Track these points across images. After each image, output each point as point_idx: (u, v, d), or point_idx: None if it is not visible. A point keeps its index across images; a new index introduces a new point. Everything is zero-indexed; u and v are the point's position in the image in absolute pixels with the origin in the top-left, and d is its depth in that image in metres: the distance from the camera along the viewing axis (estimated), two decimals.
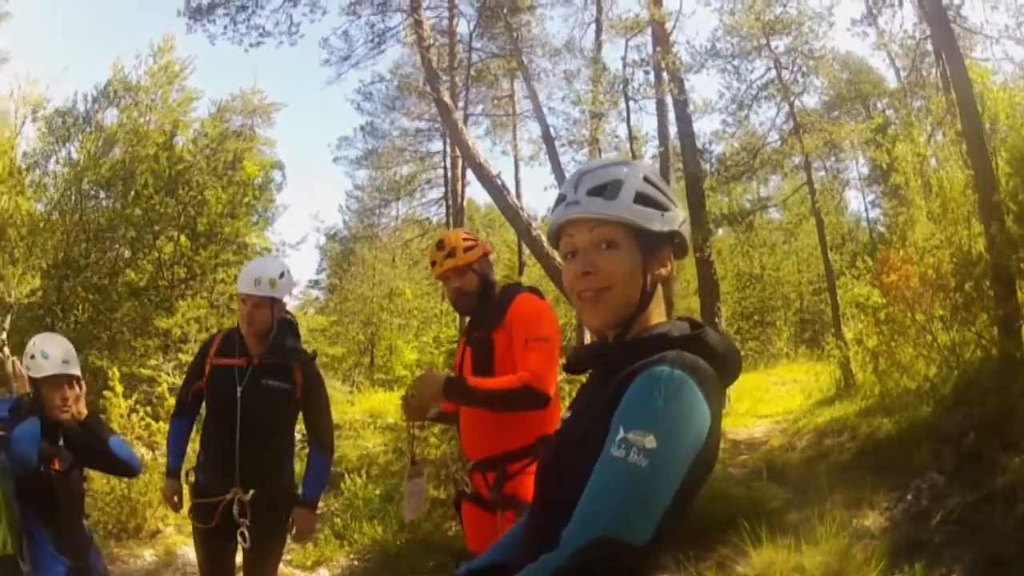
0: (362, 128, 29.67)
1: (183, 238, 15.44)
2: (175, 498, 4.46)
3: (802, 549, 5.69)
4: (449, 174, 26.94)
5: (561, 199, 1.70)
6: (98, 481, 9.35)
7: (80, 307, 13.32)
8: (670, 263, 1.71)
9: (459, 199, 24.72)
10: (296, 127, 73.60)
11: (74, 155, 15.27)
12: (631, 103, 17.49)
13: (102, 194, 15.52)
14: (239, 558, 4.40)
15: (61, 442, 3.75)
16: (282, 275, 4.26)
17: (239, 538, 4.13)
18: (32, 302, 13.19)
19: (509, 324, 3.58)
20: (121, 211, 15.08)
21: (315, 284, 34.64)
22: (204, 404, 4.48)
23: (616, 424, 1.45)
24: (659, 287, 1.70)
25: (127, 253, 15.28)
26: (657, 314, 1.70)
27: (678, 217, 1.69)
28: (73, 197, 14.65)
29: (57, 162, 15.46)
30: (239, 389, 4.18)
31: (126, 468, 4.12)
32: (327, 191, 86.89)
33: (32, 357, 3.74)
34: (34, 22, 68.16)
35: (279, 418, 4.33)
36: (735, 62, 18.02)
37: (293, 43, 16.39)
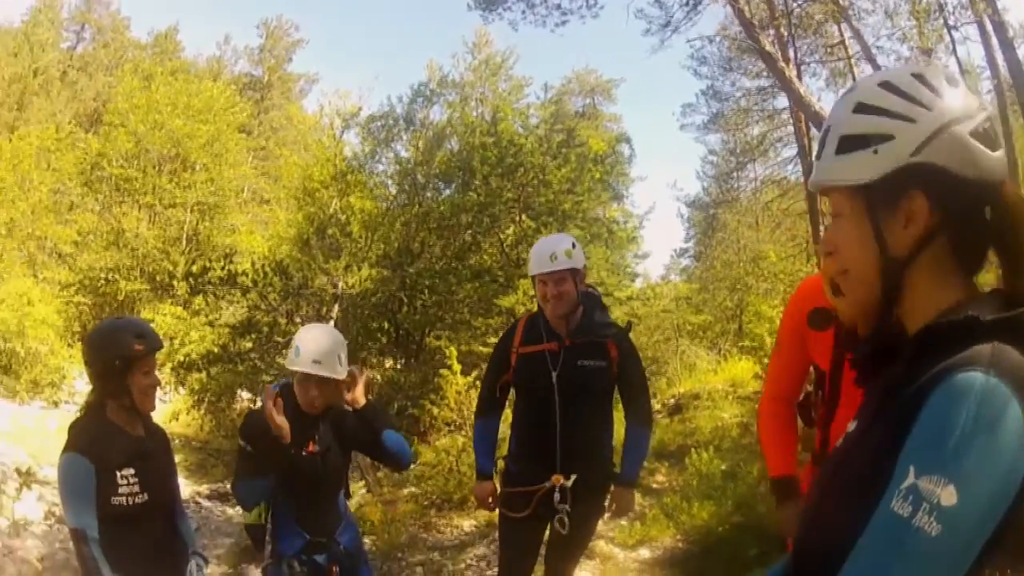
0: (703, 92, 29.08)
1: (525, 218, 15.62)
2: (489, 499, 4.33)
3: None
4: (796, 129, 25.47)
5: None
6: (427, 454, 9.62)
7: (425, 292, 13.74)
8: (924, 209, 1.22)
9: (809, 154, 23.14)
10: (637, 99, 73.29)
11: (403, 153, 16.07)
12: (954, 32, 15.42)
13: (441, 185, 16.14)
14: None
15: (321, 426, 3.76)
16: (573, 245, 4.02)
17: (557, 524, 3.97)
18: (370, 290, 13.94)
19: None
20: (461, 199, 15.48)
21: (683, 252, 34.72)
22: (514, 395, 4.34)
23: (906, 459, 1.09)
24: (926, 249, 1.24)
25: (468, 238, 15.64)
26: (936, 288, 1.24)
27: (915, 134, 1.20)
28: (408, 191, 15.36)
29: (382, 162, 16.41)
30: (554, 374, 3.98)
31: (396, 461, 3.93)
32: (682, 159, 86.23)
33: (294, 347, 3.70)
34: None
35: (597, 398, 4.10)
36: None
37: (595, 16, 15.94)
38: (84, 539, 2.93)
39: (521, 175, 15.68)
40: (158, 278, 23.34)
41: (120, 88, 38.50)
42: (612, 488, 4.15)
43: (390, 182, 16.58)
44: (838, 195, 1.30)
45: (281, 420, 3.39)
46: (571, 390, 3.96)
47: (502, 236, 15.42)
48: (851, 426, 1.36)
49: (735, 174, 31.91)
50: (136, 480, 3.11)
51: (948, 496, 1.03)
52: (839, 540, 1.15)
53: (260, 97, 53.74)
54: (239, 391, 16.30)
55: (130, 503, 3.07)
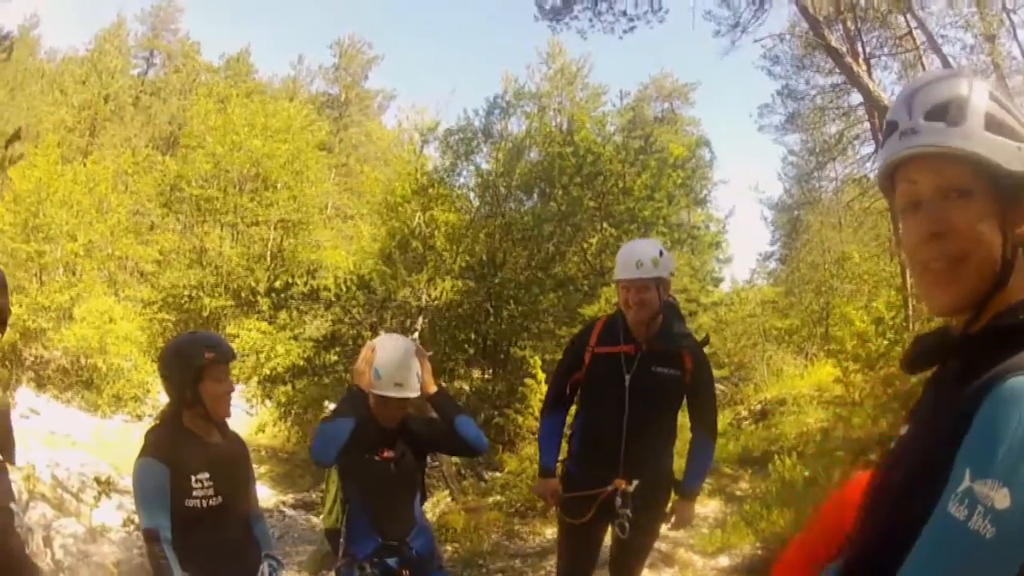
0: (779, 92, 28.50)
1: (607, 226, 15.54)
2: (549, 496, 4.27)
3: None
4: (872, 125, 25.00)
5: (891, 128, 1.30)
6: (511, 463, 9.58)
7: (510, 302, 13.74)
8: None
9: None
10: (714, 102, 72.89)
11: (484, 165, 16.12)
12: (1013, 16, 15.10)
13: (522, 196, 16.15)
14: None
15: (396, 432, 3.81)
16: (661, 253, 3.96)
17: (617, 529, 3.93)
18: (455, 302, 14.11)
19: None
20: (542, 209, 15.46)
21: (768, 256, 34.40)
22: (580, 395, 4.23)
23: (962, 463, 1.09)
24: (1020, 251, 1.25)
25: (551, 248, 15.60)
26: (1019, 288, 1.25)
27: None
28: (490, 203, 15.40)
29: (463, 174, 16.50)
30: (627, 378, 3.93)
31: (470, 448, 3.90)
32: (763, 161, 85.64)
33: (375, 369, 3.73)
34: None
35: (666, 406, 4.04)
36: None
37: (661, 20, 15.75)
38: (156, 539, 3.01)
39: (601, 183, 15.60)
40: (243, 294, 23.78)
41: (195, 111, 39.34)
42: (674, 499, 4.12)
43: (472, 194, 16.73)
44: (961, 171, 1.23)
45: (364, 367, 3.61)
46: (642, 395, 3.92)
47: (585, 245, 15.36)
48: (904, 429, 1.37)
49: (815, 174, 31.30)
50: (211, 484, 3.18)
51: (1002, 499, 1.04)
52: (895, 542, 1.17)
53: (338, 115, 54.53)
54: (325, 403, 16.49)
55: (204, 505, 3.15)
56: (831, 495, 2.68)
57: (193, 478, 3.14)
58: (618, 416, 3.91)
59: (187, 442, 3.24)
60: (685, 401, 4.10)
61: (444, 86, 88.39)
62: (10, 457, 2.49)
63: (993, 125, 1.22)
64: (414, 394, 3.69)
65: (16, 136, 14.67)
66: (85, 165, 34.55)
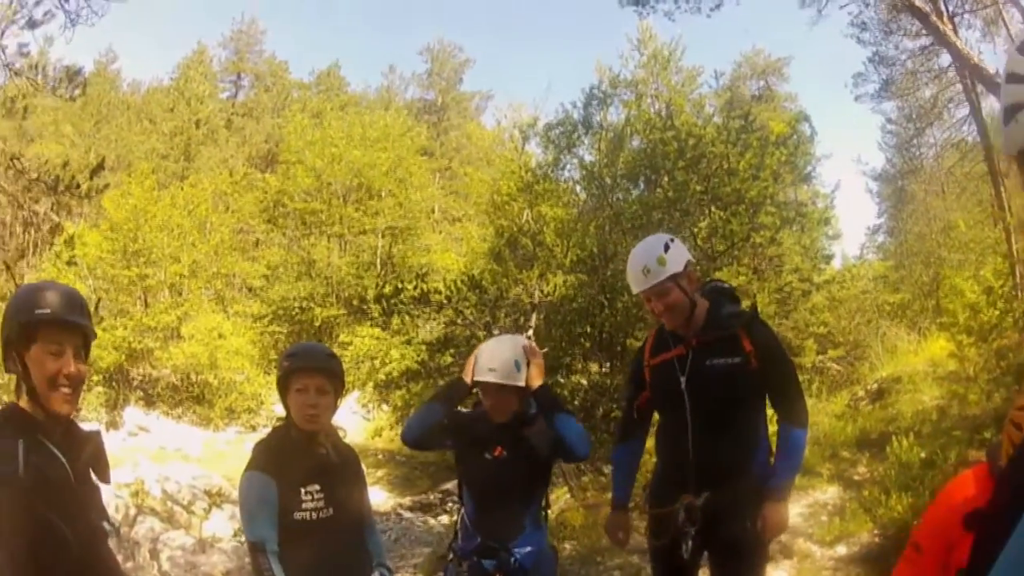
0: (870, 60, 27.82)
1: (715, 209, 15.28)
2: (619, 534, 4.04)
3: None
4: (964, 86, 24.21)
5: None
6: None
7: (624, 293, 13.64)
8: None
9: (978, 111, 21.92)
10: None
11: (587, 157, 16.06)
12: None
13: (628, 185, 16.06)
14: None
15: (510, 434, 3.83)
16: (667, 247, 3.63)
17: (683, 549, 3.60)
18: (568, 296, 14.24)
19: None
20: (649, 197, 15.38)
21: (876, 229, 33.73)
22: (657, 413, 3.99)
23: None
24: None
25: None
26: None
27: None
28: (596, 194, 15.36)
29: (567, 168, 16.51)
30: (682, 379, 3.65)
31: (568, 449, 3.80)
32: (862, 131, 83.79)
33: (474, 357, 3.86)
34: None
35: (735, 401, 3.64)
36: None
37: None
38: (262, 551, 3.01)
39: (705, 166, 15.41)
40: (354, 303, 24.28)
41: (290, 127, 40.24)
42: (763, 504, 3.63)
43: (578, 187, 16.74)
44: None
45: (470, 361, 3.78)
46: (702, 395, 3.63)
47: (695, 230, 15.17)
48: None
49: (914, 141, 30.62)
50: (321, 495, 3.19)
51: None
52: None
53: (437, 120, 55.46)
54: None
55: (313, 517, 3.15)
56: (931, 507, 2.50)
57: (303, 490, 3.16)
58: (681, 423, 3.66)
59: (295, 454, 3.25)
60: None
61: (538, 82, 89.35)
62: (104, 477, 2.50)
63: None
64: (508, 381, 3.68)
65: (100, 166, 15.02)
66: (183, 189, 35.73)
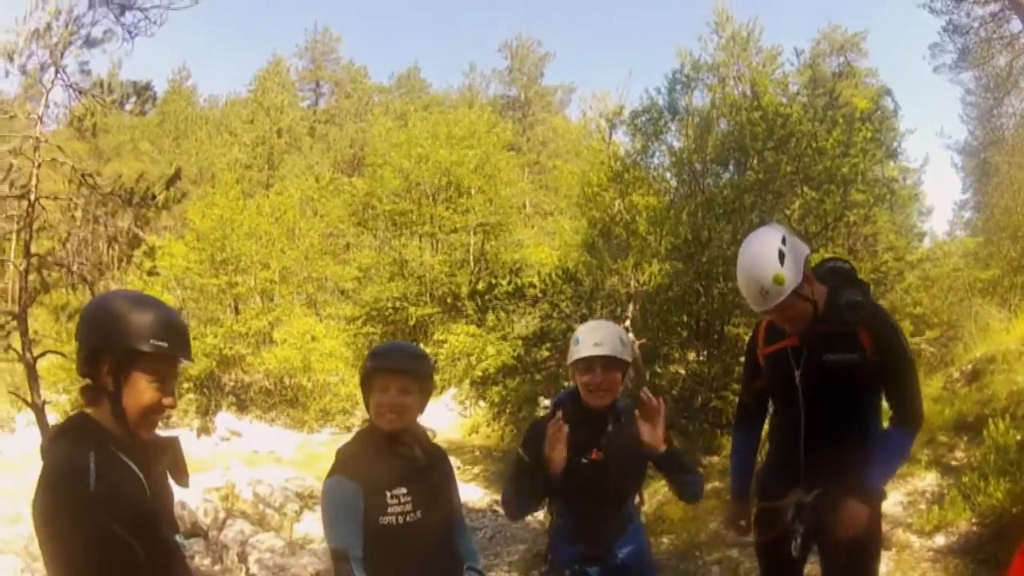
0: (944, 29, 27.12)
1: (807, 189, 15.11)
2: (741, 523, 3.92)
3: None
4: None
5: None
6: (729, 447, 9.38)
7: (720, 280, 13.63)
8: None
9: None
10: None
11: (675, 143, 16.03)
12: None
13: (718, 169, 16.00)
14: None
15: (608, 430, 3.58)
16: (781, 257, 3.29)
17: (791, 547, 3.46)
18: (664, 285, 14.19)
19: None
20: (741, 180, 15.36)
21: (963, 205, 32.90)
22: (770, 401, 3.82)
23: None
24: None
25: (755, 219, 15.34)
26: None
27: None
28: (687, 180, 15.32)
29: (655, 155, 16.46)
30: (797, 373, 3.47)
31: (686, 496, 3.75)
32: (944, 104, 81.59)
33: (573, 341, 3.62)
34: None
35: (851, 399, 3.45)
36: None
37: None
38: (345, 558, 2.93)
39: (794, 145, 15.17)
40: (448, 300, 24.41)
41: (374, 131, 40.88)
42: (846, 499, 3.39)
43: (668, 174, 16.69)
44: None
45: (558, 453, 3.38)
46: (817, 391, 3.45)
47: (788, 212, 15.02)
48: None
49: (994, 111, 29.84)
50: (408, 499, 3.07)
51: None
52: None
53: (522, 115, 55.86)
54: (539, 399, 16.60)
55: (400, 522, 3.04)
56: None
57: (388, 494, 3.04)
58: (794, 418, 3.51)
59: (381, 457, 3.11)
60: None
61: (617, 71, 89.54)
62: (183, 482, 2.46)
63: None
64: (616, 354, 3.47)
65: (176, 176, 15.23)
66: (268, 197, 36.48)
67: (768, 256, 3.27)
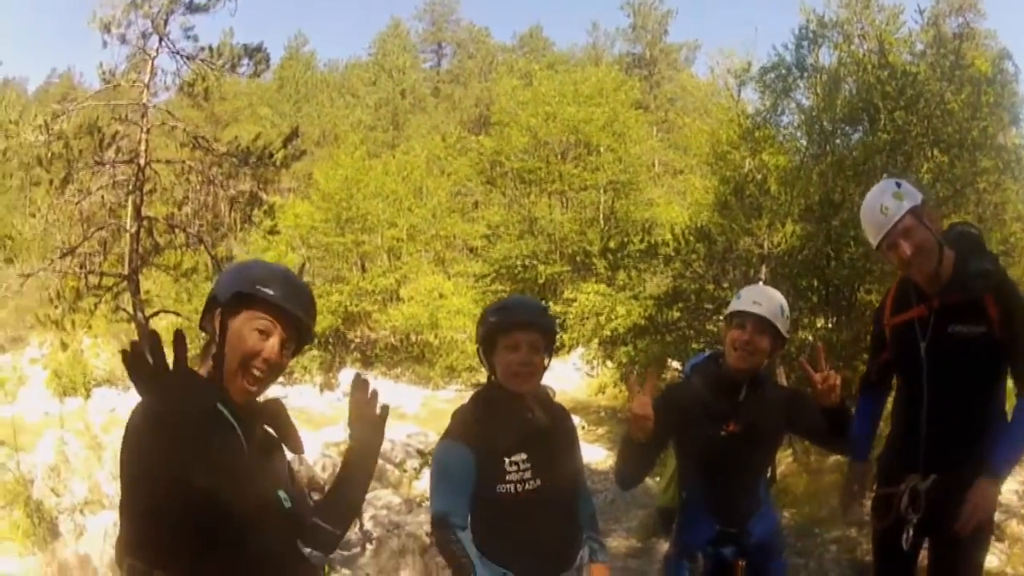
0: None
1: (936, 152, 14.67)
2: (855, 486, 3.70)
3: None
4: None
5: None
6: None
7: (851, 243, 13.40)
8: None
9: None
10: None
11: (804, 102, 15.93)
12: None
13: (848, 129, 15.85)
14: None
15: (747, 401, 3.42)
16: (899, 185, 3.23)
17: (904, 537, 3.30)
18: (796, 247, 14.06)
19: None
20: (871, 141, 15.07)
21: None
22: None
23: None
24: None
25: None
26: None
27: None
28: (817, 140, 15.23)
29: (785, 113, 16.35)
30: (922, 345, 3.27)
31: (840, 443, 3.52)
32: None
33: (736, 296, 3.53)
34: None
35: (976, 375, 3.24)
36: None
37: None
38: (446, 524, 2.80)
39: (923, 106, 14.73)
40: (578, 259, 24.51)
41: (500, 89, 41.08)
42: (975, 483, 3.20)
43: (799, 133, 16.55)
44: None
45: (643, 409, 3.01)
46: (942, 365, 3.23)
47: (919, 175, 14.87)
48: None
49: None
50: (528, 465, 2.90)
51: None
52: None
53: (648, 73, 55.51)
54: (669, 361, 16.21)
55: (519, 490, 2.87)
56: None
57: (507, 460, 2.88)
58: (917, 395, 3.32)
59: (501, 420, 2.96)
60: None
61: (741, 28, 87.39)
62: (296, 448, 2.30)
63: None
64: (773, 319, 3.31)
65: (293, 134, 15.46)
66: (394, 156, 37.20)
67: (884, 186, 3.29)
